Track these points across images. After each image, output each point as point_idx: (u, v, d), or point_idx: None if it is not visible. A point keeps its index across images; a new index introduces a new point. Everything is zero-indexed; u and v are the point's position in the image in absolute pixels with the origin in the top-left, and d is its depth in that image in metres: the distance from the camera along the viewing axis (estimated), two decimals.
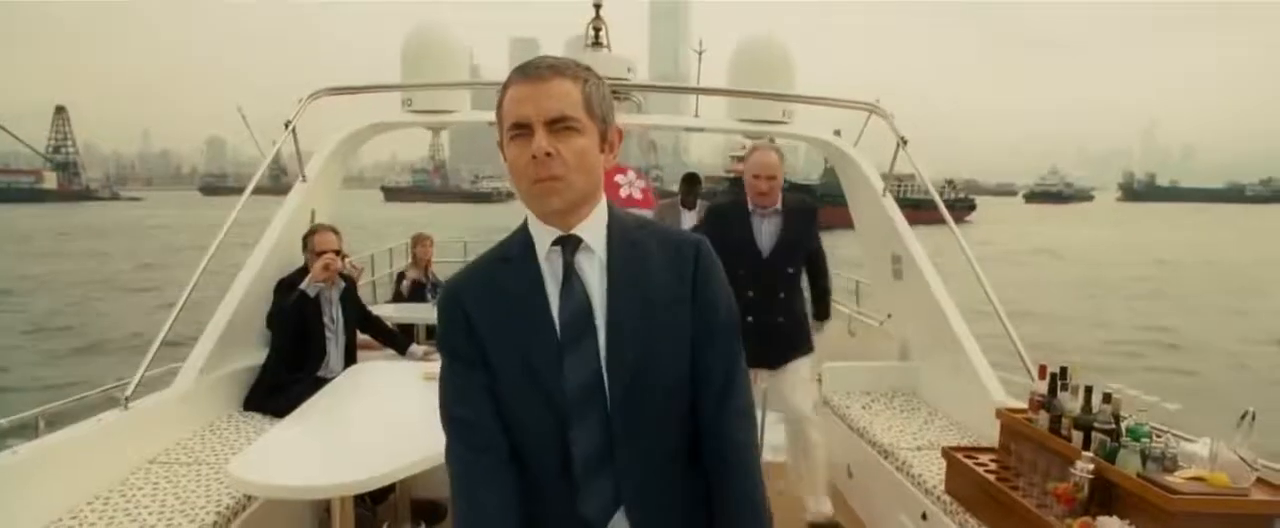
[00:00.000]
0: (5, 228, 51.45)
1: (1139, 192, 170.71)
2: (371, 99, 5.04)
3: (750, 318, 3.68)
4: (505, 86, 1.35)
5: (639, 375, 1.35)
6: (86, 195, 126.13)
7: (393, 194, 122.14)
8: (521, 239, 1.43)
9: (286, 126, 4.42)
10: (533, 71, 1.33)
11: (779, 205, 3.85)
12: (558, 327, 1.35)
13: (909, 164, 4.73)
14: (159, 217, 67.88)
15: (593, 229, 1.39)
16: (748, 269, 3.76)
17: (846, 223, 5.31)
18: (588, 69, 1.37)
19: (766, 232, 3.84)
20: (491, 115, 4.94)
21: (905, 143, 4.58)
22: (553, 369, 1.34)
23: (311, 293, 4.04)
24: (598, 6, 5.43)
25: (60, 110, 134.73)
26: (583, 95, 1.33)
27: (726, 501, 1.41)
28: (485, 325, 1.39)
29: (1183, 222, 79.07)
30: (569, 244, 1.38)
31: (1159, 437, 2.42)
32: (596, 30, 5.41)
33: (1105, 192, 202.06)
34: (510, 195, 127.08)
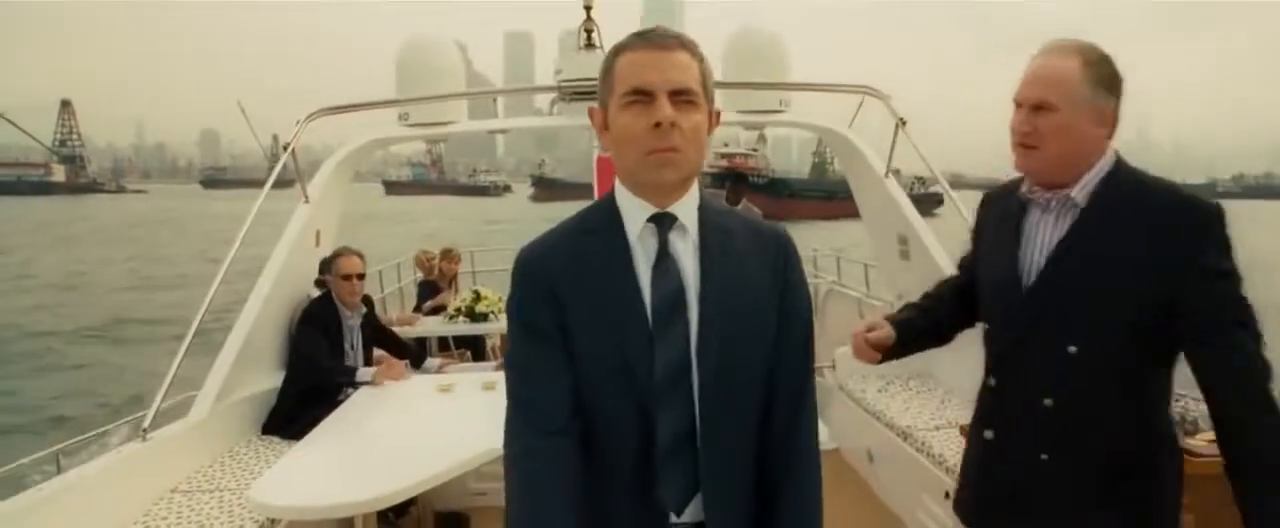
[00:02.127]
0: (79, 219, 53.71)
1: None
2: (369, 111, 5.04)
3: (984, 451, 1.84)
4: (619, 50, 1.29)
5: (727, 362, 1.31)
6: (93, 188, 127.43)
7: (393, 188, 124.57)
8: (607, 212, 1.37)
9: (285, 149, 4.43)
10: (656, 39, 1.28)
11: (1084, 191, 1.66)
12: (650, 308, 1.30)
13: (907, 146, 4.71)
14: (184, 208, 69.35)
15: (687, 209, 1.35)
16: (998, 320, 1.81)
17: (838, 214, 5.32)
18: (699, 46, 1.33)
19: (1041, 240, 1.71)
20: (490, 123, 4.88)
21: (904, 124, 4.56)
22: (642, 351, 1.29)
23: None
24: (588, 9, 5.42)
25: (66, 105, 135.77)
26: (700, 71, 1.30)
27: (788, 503, 1.38)
28: (573, 300, 1.32)
29: None
30: (664, 222, 1.33)
31: (1177, 400, 2.41)
32: (588, 32, 5.40)
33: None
34: (507, 189, 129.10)
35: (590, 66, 5.00)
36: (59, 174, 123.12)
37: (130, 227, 49.06)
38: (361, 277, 4.17)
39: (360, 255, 4.22)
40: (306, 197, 4.66)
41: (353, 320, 4.19)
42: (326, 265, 4.19)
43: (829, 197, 62.07)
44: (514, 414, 1.35)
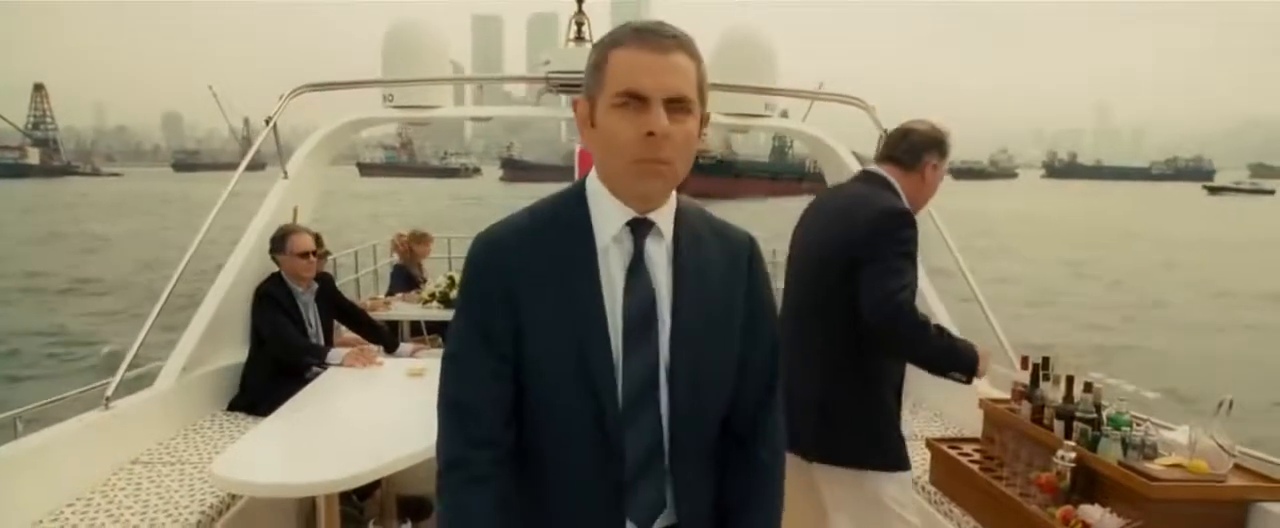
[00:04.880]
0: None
1: (1060, 169, 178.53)
2: (351, 91, 5.01)
3: None
4: (612, 44, 1.21)
5: (698, 377, 1.29)
6: (67, 171, 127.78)
7: (367, 170, 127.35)
8: (576, 206, 1.28)
9: (267, 123, 4.38)
10: (655, 38, 1.19)
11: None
12: (621, 317, 1.25)
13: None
14: (171, 190, 69.39)
15: (665, 215, 1.30)
16: None
17: (780, 192, 5.39)
18: (696, 45, 1.26)
19: None
20: (474, 110, 4.86)
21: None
22: (604, 362, 1.24)
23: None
24: (580, 1, 5.41)
25: (39, 88, 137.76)
26: (697, 75, 1.23)
27: (755, 503, 1.39)
28: (532, 302, 1.24)
29: (1068, 194, 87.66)
30: (641, 228, 1.27)
31: (1139, 425, 2.45)
32: (579, 25, 5.39)
33: (1036, 169, 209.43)
34: (476, 171, 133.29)
35: (581, 59, 4.99)
36: (33, 157, 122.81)
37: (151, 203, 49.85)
38: (314, 253, 4.14)
39: (309, 232, 4.20)
40: (285, 172, 4.61)
41: (307, 297, 4.16)
42: (280, 243, 4.09)
43: (774, 177, 69.56)
44: (446, 417, 1.28)
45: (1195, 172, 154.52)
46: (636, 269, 1.27)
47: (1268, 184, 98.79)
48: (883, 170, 2.48)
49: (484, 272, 1.26)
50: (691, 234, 1.32)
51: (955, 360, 2.32)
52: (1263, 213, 58.38)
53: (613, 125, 1.20)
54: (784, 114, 5.49)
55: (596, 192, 1.28)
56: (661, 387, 1.27)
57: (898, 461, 2.41)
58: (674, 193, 1.32)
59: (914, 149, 2.46)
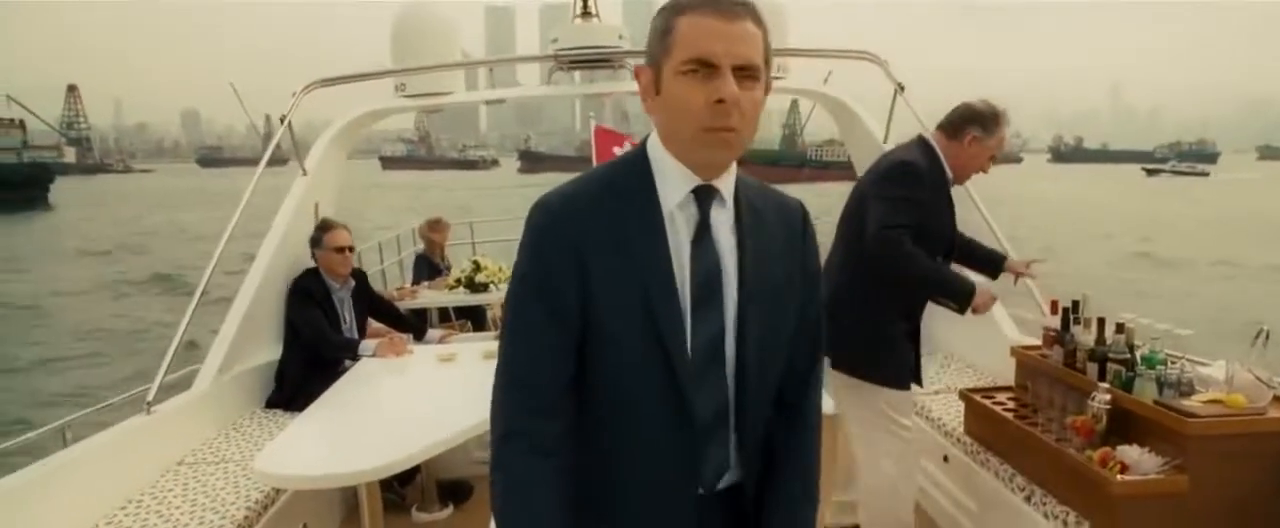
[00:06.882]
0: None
1: (1066, 153, 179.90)
2: (366, 84, 5.01)
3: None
4: (680, 9, 1.20)
5: (764, 340, 1.30)
6: (102, 168, 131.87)
7: (389, 163, 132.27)
8: (638, 173, 1.27)
9: (282, 121, 4.41)
10: (725, 5, 1.18)
11: None
12: (688, 284, 1.25)
13: (903, 110, 4.70)
14: (210, 186, 70.44)
15: (727, 183, 1.29)
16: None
17: (775, 179, 5.35)
18: (761, 12, 1.24)
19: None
20: (487, 94, 4.84)
21: (902, 89, 4.54)
22: (676, 328, 1.23)
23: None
24: None
25: (72, 89, 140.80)
26: (764, 43, 1.22)
27: (791, 464, 1.41)
28: (603, 271, 1.22)
29: (1062, 179, 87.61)
30: (706, 196, 1.27)
31: (1173, 363, 2.43)
32: (585, 1, 5.35)
33: (1044, 154, 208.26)
34: (494, 163, 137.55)
35: (588, 35, 4.96)
36: (70, 156, 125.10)
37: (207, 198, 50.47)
38: (351, 248, 4.18)
39: (346, 228, 4.23)
40: (304, 169, 4.65)
41: (342, 293, 4.20)
42: (318, 238, 4.16)
43: (774, 163, 70.80)
44: (506, 387, 1.26)
45: (1198, 155, 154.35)
46: (703, 235, 1.27)
47: (1204, 167, 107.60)
48: (931, 137, 2.81)
49: (551, 240, 1.23)
50: (750, 202, 1.32)
51: (945, 288, 2.68)
52: (1177, 192, 60.47)
53: (681, 93, 1.19)
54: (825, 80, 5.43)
55: (660, 158, 1.27)
56: (729, 349, 1.28)
57: (891, 379, 2.76)
58: (734, 163, 1.31)
59: (959, 119, 2.77)
